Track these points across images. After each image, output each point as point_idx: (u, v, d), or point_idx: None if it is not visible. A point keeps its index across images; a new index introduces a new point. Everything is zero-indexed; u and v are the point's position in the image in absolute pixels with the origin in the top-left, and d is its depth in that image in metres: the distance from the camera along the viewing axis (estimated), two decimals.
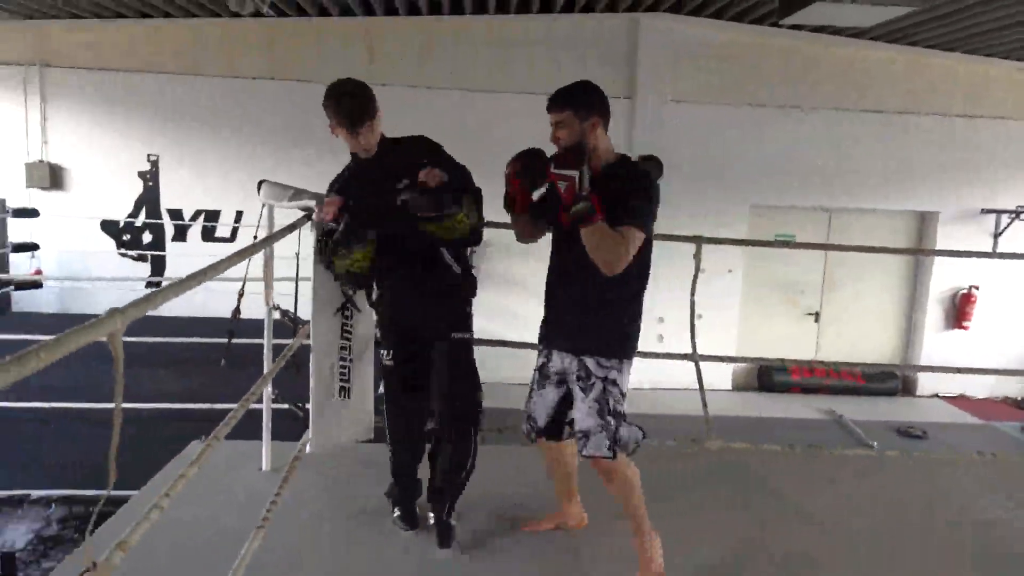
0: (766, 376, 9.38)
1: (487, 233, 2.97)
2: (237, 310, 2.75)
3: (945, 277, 9.46)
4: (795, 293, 9.67)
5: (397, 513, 2.91)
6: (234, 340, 4.11)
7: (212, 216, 8.75)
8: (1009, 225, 9.23)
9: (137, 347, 5.58)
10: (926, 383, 9.58)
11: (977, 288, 9.36)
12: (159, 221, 8.75)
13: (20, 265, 8.46)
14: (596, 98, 2.50)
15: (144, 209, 8.75)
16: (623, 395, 2.49)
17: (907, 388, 9.65)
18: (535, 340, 2.72)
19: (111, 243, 8.76)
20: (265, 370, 3.06)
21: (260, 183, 3.22)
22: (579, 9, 8.44)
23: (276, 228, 2.92)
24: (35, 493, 3.90)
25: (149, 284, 8.68)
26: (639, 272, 2.48)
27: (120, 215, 8.71)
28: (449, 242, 2.63)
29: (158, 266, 8.84)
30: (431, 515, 2.81)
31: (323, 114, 2.61)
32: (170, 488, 1.70)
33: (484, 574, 2.66)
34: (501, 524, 2.95)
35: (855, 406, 8.62)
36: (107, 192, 8.65)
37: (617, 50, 8.71)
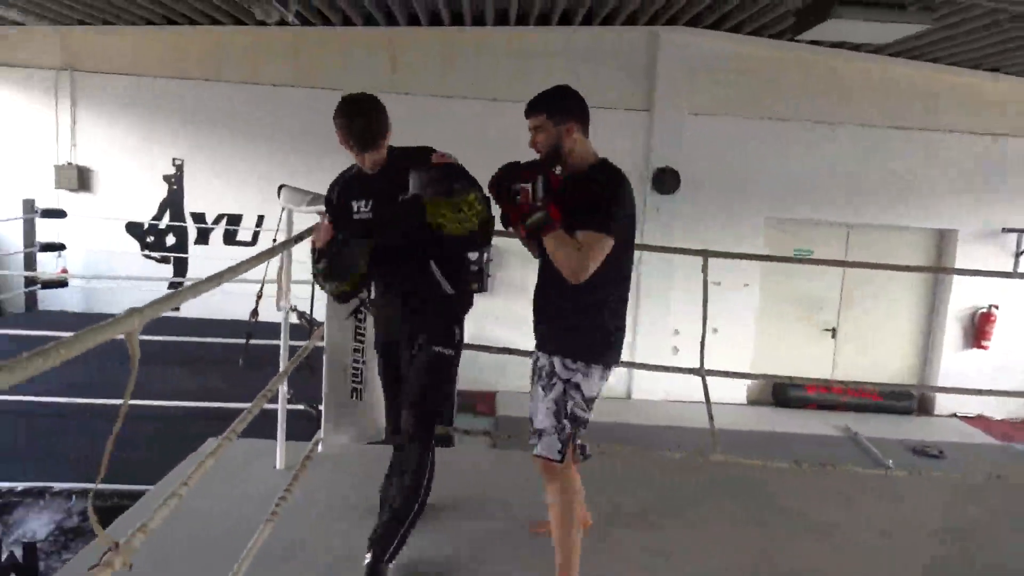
0: (781, 391, 9.35)
1: (506, 242, 3.02)
2: (255, 311, 2.81)
3: (964, 296, 9.38)
4: (812, 309, 9.64)
5: None
6: (252, 341, 4.20)
7: (234, 220, 8.90)
8: None
9: (159, 346, 5.70)
10: (944, 402, 9.49)
11: (997, 307, 9.28)
12: (182, 224, 8.91)
13: (47, 264, 8.64)
14: (572, 103, 2.46)
15: (168, 212, 8.91)
16: (586, 401, 2.44)
17: (924, 407, 9.57)
18: None
19: (135, 244, 8.92)
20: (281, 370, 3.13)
21: (280, 187, 3.31)
22: (599, 22, 8.52)
23: (295, 232, 3.00)
24: (57, 486, 3.98)
25: (171, 285, 8.84)
26: (612, 277, 2.42)
27: (145, 217, 8.87)
28: (458, 242, 2.51)
29: (180, 268, 8.99)
30: (367, 556, 2.56)
31: None
32: (188, 477, 1.76)
33: (491, 573, 2.70)
34: (510, 524, 2.99)
35: (871, 424, 8.57)
36: (133, 194, 8.82)
37: (636, 63, 8.78)
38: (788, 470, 3.83)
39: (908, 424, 8.91)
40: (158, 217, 8.91)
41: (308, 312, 3.57)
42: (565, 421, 2.41)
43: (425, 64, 8.66)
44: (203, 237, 8.96)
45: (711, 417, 3.38)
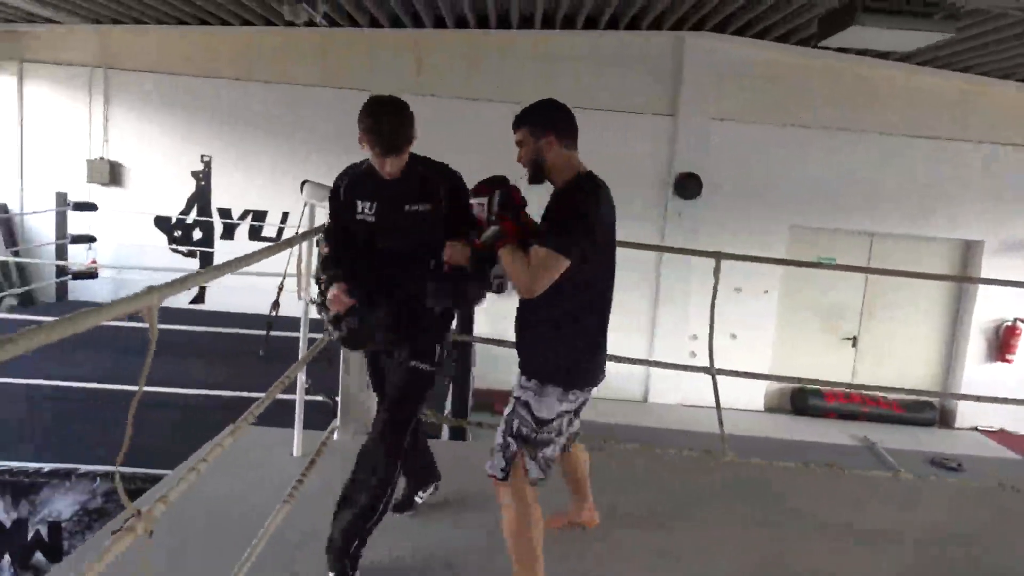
0: (800, 399, 9.30)
1: None
2: (276, 303, 2.89)
3: (989, 308, 9.27)
4: (834, 317, 9.58)
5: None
6: (273, 333, 4.29)
7: (259, 216, 9.04)
8: None
9: (184, 337, 5.83)
10: (965, 415, 9.38)
11: (1023, 321, 9.16)
12: (209, 219, 9.07)
13: (77, 256, 8.83)
14: (552, 116, 2.43)
15: (195, 207, 9.08)
16: (537, 422, 2.33)
17: (945, 420, 9.46)
18: None
19: (163, 238, 9.10)
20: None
21: (303, 183, 3.39)
22: (624, 26, 8.55)
23: (316, 226, 3.08)
24: (82, 468, 4.10)
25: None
26: (572, 294, 2.32)
27: (173, 212, 9.05)
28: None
29: (206, 262, 9.15)
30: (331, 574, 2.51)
31: None
32: (208, 453, 1.84)
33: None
34: None
35: (890, 435, 8.50)
36: (162, 189, 9.00)
37: (661, 67, 8.80)
38: (799, 474, 3.85)
39: (928, 436, 8.82)
40: (186, 212, 9.08)
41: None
42: (510, 439, 2.35)
43: (451, 66, 8.75)
44: (229, 232, 9.12)
45: (720, 416, 3.40)
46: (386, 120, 2.41)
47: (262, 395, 2.43)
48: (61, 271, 8.80)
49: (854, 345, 9.60)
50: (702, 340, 8.71)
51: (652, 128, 8.88)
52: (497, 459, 2.37)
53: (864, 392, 9.17)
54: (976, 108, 8.91)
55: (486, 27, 8.56)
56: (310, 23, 7.31)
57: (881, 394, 9.18)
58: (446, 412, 4.78)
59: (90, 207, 8.49)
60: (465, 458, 3.64)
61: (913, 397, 9.29)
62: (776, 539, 3.19)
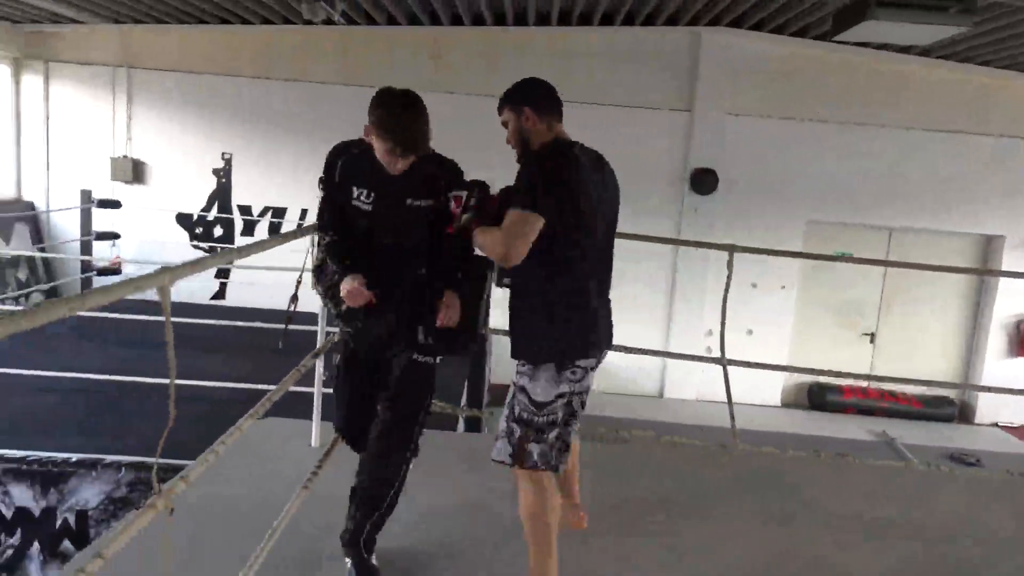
0: (817, 395, 9.28)
1: None
2: (295, 296, 2.96)
3: (1009, 303, 9.19)
4: (851, 313, 9.54)
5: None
6: (292, 327, 4.36)
7: (279, 213, 9.16)
8: None
9: (211, 332, 5.95)
10: (985, 411, 9.32)
11: None
12: (230, 216, 9.21)
13: (101, 252, 9.00)
14: (528, 91, 2.47)
15: (216, 204, 9.21)
16: (535, 405, 2.32)
17: (965, 415, 9.40)
18: None
19: (185, 235, 9.25)
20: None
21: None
22: (640, 22, 8.56)
23: None
24: (108, 458, 4.21)
25: (218, 274, 9.13)
26: (556, 270, 2.30)
27: (194, 209, 9.19)
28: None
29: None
30: (348, 561, 2.57)
31: None
32: (228, 437, 1.91)
33: (504, 555, 2.81)
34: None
35: (909, 430, 8.47)
36: (183, 187, 9.15)
37: (677, 63, 8.80)
38: (812, 465, 3.87)
39: (947, 431, 8.77)
40: (207, 209, 9.22)
41: None
42: (513, 424, 2.35)
43: (468, 63, 8.81)
44: (249, 229, 9.24)
45: (731, 406, 3.44)
46: (405, 117, 2.31)
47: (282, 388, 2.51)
48: (86, 267, 8.97)
49: (872, 341, 9.56)
50: (717, 336, 8.77)
51: (668, 124, 8.88)
52: (503, 445, 2.37)
53: (881, 387, 9.15)
54: (996, 102, 8.83)
55: (503, 24, 8.61)
56: (329, 21, 7.40)
57: (899, 389, 9.14)
58: (461, 405, 4.84)
59: (114, 204, 8.66)
60: (479, 451, 3.69)
61: (932, 393, 9.24)
62: (789, 531, 3.23)
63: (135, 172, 9.07)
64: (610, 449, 3.88)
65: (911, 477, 4.10)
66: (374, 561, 2.57)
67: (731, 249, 3.59)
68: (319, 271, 2.61)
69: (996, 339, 9.30)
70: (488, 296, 2.61)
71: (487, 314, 2.67)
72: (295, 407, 3.38)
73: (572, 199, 2.27)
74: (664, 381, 9.19)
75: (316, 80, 8.82)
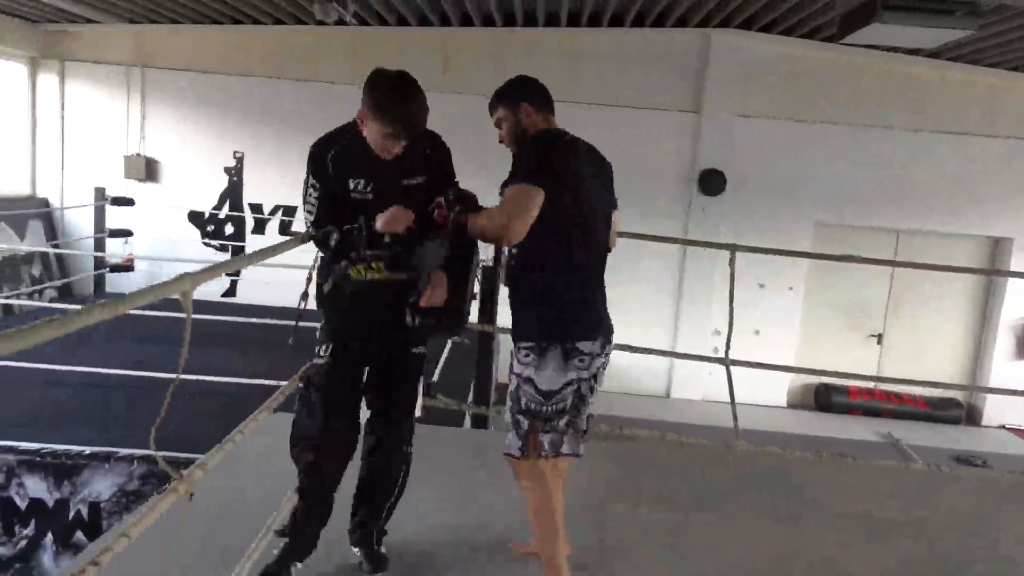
0: (823, 396, 9.29)
1: None
2: (305, 293, 3.01)
3: (1017, 305, 9.18)
4: (859, 314, 9.55)
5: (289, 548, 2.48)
6: (303, 324, 4.42)
7: (290, 211, 9.24)
8: None
9: (226, 328, 6.01)
10: (992, 413, 9.30)
11: None
12: (241, 214, 9.30)
13: (113, 249, 9.10)
14: (524, 88, 2.50)
15: (228, 202, 9.31)
16: (542, 394, 2.30)
17: (972, 417, 9.38)
18: None
19: (196, 233, 9.34)
20: None
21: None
22: (650, 24, 8.60)
23: None
24: (120, 451, 4.30)
25: (229, 272, 9.21)
26: (556, 255, 2.31)
27: (206, 207, 9.28)
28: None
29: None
30: (357, 550, 2.60)
31: None
32: (244, 426, 1.98)
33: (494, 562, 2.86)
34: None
35: (916, 432, 8.47)
36: (195, 185, 9.24)
37: (686, 65, 8.83)
38: (816, 465, 3.91)
39: (954, 433, 8.76)
40: (218, 207, 9.31)
41: None
42: (519, 416, 2.33)
43: (477, 64, 8.86)
44: (260, 227, 9.33)
45: (734, 405, 3.48)
46: (406, 99, 2.27)
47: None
48: (98, 264, 9.08)
49: (879, 342, 9.56)
50: (725, 337, 8.81)
51: (677, 125, 8.92)
52: (512, 438, 2.36)
53: (887, 388, 9.16)
54: (1005, 103, 8.82)
55: (512, 25, 8.66)
56: (340, 22, 7.46)
57: (906, 391, 9.15)
58: (468, 402, 4.90)
59: (128, 202, 8.76)
60: (486, 446, 3.76)
61: (939, 394, 9.24)
62: (793, 530, 3.27)
63: (148, 170, 9.16)
64: (615, 447, 3.93)
65: (914, 477, 4.13)
66: (383, 551, 2.62)
67: (733, 248, 3.64)
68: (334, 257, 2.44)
69: (1004, 341, 9.28)
70: (496, 293, 2.66)
71: (495, 306, 2.69)
72: None
73: (572, 179, 2.30)
74: (671, 381, 9.22)
75: (327, 80, 8.89)
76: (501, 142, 2.52)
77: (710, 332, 8.70)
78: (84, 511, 4.34)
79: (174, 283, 1.57)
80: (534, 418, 2.32)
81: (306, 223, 2.48)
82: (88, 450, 4.35)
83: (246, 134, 9.13)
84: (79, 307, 1.41)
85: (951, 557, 3.16)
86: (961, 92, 8.81)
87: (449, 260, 2.42)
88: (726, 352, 3.64)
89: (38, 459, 4.31)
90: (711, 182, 8.87)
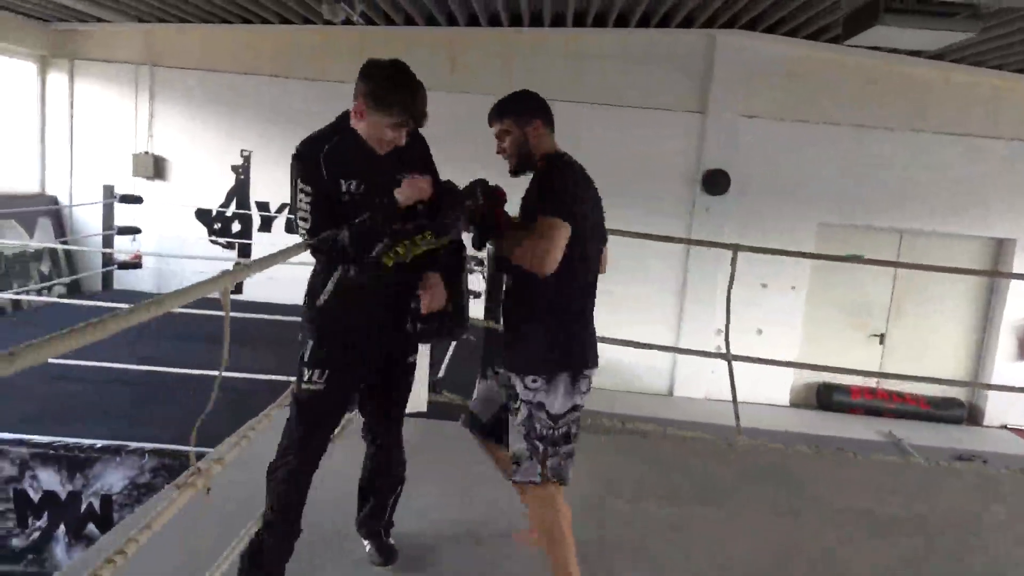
0: (825, 395, 9.34)
1: None
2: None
3: (1019, 306, 9.21)
4: (861, 314, 9.58)
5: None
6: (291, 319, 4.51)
7: None
8: None
9: (237, 325, 6.08)
10: (994, 413, 9.34)
11: None
12: (248, 212, 9.37)
13: (121, 247, 9.19)
14: (537, 103, 2.48)
15: (235, 200, 9.39)
16: (552, 418, 2.33)
17: (973, 417, 9.42)
18: None
19: (203, 230, 9.42)
20: None
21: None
22: (655, 24, 8.64)
23: None
24: (132, 445, 4.37)
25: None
26: (562, 280, 2.30)
27: (213, 205, 9.36)
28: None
29: (245, 253, 9.45)
30: (367, 543, 2.66)
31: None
32: (256, 422, 2.05)
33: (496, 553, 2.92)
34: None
35: (917, 431, 8.51)
36: (203, 183, 9.32)
37: (691, 65, 8.88)
38: (816, 462, 3.97)
39: (956, 433, 8.81)
40: (225, 205, 9.39)
41: None
42: (537, 442, 2.33)
43: (484, 64, 8.92)
44: (267, 225, 9.41)
45: (735, 401, 3.54)
46: (412, 88, 2.19)
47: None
48: (107, 261, 9.17)
49: (881, 342, 9.60)
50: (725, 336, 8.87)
51: (682, 125, 8.96)
52: (529, 466, 2.34)
53: (889, 387, 9.20)
54: (1008, 105, 8.85)
55: (519, 25, 8.71)
56: (348, 21, 7.54)
57: (908, 390, 9.19)
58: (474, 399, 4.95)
59: (136, 200, 8.85)
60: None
61: (941, 394, 9.29)
62: (795, 525, 3.33)
63: (156, 168, 9.25)
64: (617, 441, 3.99)
65: (914, 474, 4.18)
66: (392, 543, 2.68)
67: (735, 248, 3.70)
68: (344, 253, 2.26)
69: (1006, 342, 9.32)
70: (501, 289, 2.67)
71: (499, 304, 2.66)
72: None
73: (589, 212, 2.37)
74: (674, 379, 9.28)
75: (335, 79, 8.93)
76: (499, 153, 2.49)
77: (713, 331, 8.74)
78: (96, 503, 4.41)
79: (214, 281, 1.64)
80: (545, 443, 2.33)
81: (300, 232, 2.29)
82: (100, 443, 4.42)
83: (254, 133, 9.20)
84: (126, 306, 1.46)
85: (951, 554, 3.21)
86: (964, 94, 8.84)
87: (436, 260, 2.35)
88: (727, 348, 3.70)
89: (51, 452, 4.39)
90: (715, 182, 8.91)
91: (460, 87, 8.57)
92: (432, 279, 2.32)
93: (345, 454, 2.84)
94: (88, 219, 9.26)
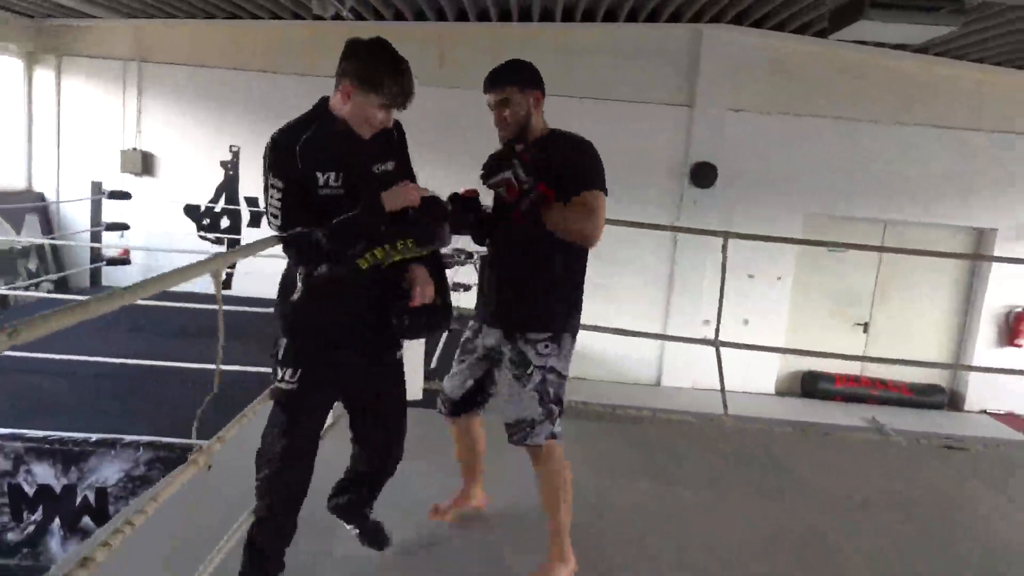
0: (810, 382, 9.48)
1: None
2: None
3: (1000, 294, 9.36)
4: (846, 303, 9.72)
5: None
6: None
7: None
8: None
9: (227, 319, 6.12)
10: (974, 399, 9.51)
11: None
12: (236, 207, 9.38)
13: (109, 242, 9.17)
14: (535, 73, 2.46)
15: (224, 196, 9.39)
16: (562, 379, 2.44)
17: (954, 403, 9.59)
18: None
19: (192, 226, 9.42)
20: None
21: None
22: (643, 18, 8.71)
23: None
24: (127, 437, 4.40)
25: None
26: (568, 245, 2.38)
27: (202, 200, 9.36)
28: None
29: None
30: (350, 527, 2.61)
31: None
32: (253, 406, 2.10)
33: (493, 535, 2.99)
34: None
35: (899, 417, 8.63)
36: (192, 179, 9.32)
37: (679, 60, 8.95)
38: (799, 443, 4.07)
39: (937, 418, 8.96)
40: (214, 201, 9.39)
41: None
42: (552, 406, 2.42)
43: (473, 59, 8.92)
44: (255, 220, 9.40)
45: (722, 383, 3.62)
46: (400, 67, 2.11)
47: None
48: (95, 257, 9.15)
49: (865, 331, 9.74)
50: (714, 326, 8.98)
51: (669, 119, 9.04)
52: (545, 427, 2.41)
53: (872, 375, 9.35)
54: (990, 98, 8.97)
55: (508, 20, 8.75)
56: (337, 17, 7.56)
57: (891, 378, 9.35)
58: None
59: (124, 196, 8.84)
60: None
61: (923, 381, 9.45)
62: (780, 506, 3.41)
63: (144, 164, 9.23)
64: (607, 428, 4.07)
65: (896, 455, 4.30)
66: (382, 524, 2.64)
67: (726, 235, 3.77)
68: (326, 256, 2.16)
69: (987, 329, 9.48)
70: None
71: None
72: None
73: None
74: (661, 369, 9.38)
75: (324, 74, 8.86)
76: (497, 124, 2.44)
77: (700, 322, 8.83)
78: (91, 497, 4.44)
79: (206, 263, 1.69)
80: (559, 404, 2.45)
81: (272, 227, 2.20)
82: (95, 437, 4.45)
83: (243, 128, 9.20)
84: (119, 287, 1.51)
85: (936, 533, 3.30)
86: (947, 87, 8.96)
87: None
88: (716, 334, 3.78)
89: (46, 446, 4.41)
90: (703, 175, 9.00)
91: (449, 82, 8.59)
92: (419, 272, 2.25)
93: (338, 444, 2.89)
94: (76, 216, 9.24)
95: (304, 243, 2.09)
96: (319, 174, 2.08)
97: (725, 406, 3.79)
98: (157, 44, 9.05)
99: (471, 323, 2.64)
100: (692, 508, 3.31)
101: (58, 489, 4.48)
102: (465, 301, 3.19)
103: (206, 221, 9.45)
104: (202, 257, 9.23)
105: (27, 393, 4.98)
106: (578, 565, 2.56)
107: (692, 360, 8.83)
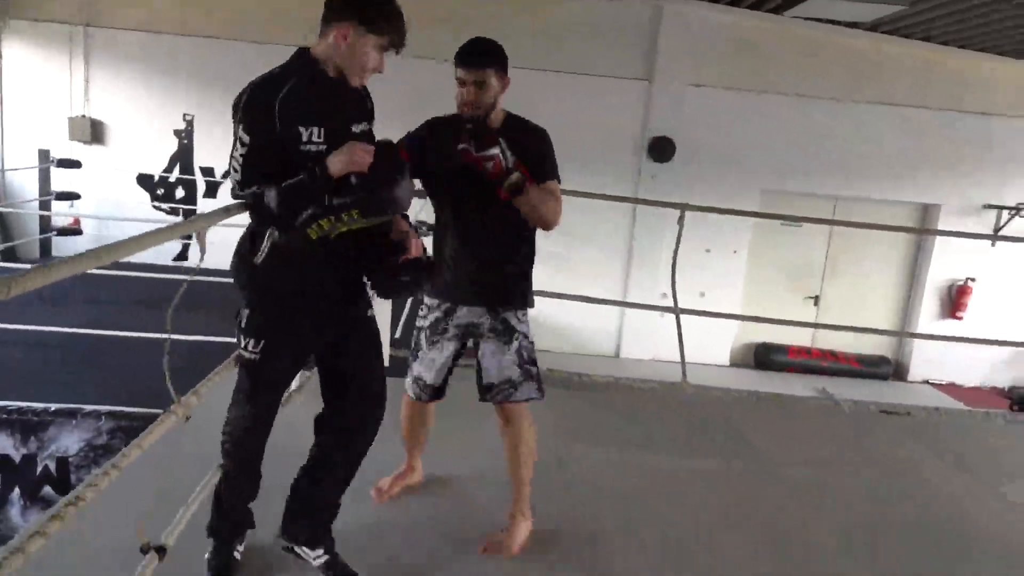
0: (763, 354, 9.77)
1: None
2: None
3: (943, 268, 9.77)
4: (799, 276, 10.02)
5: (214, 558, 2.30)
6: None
7: None
8: (1009, 221, 9.51)
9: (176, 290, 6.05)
10: (917, 370, 9.94)
11: (973, 280, 9.69)
12: (191, 177, 9.20)
13: (59, 211, 8.93)
14: (505, 56, 2.45)
15: (178, 165, 9.20)
16: (532, 342, 2.63)
17: (899, 374, 10.02)
18: None
19: (146, 196, 9.22)
20: None
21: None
22: None
23: None
24: (87, 407, 4.37)
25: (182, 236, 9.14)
26: (529, 227, 2.55)
27: (155, 170, 9.16)
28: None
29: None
30: (313, 553, 2.31)
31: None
32: (226, 365, 2.13)
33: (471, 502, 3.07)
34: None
35: (847, 388, 8.94)
36: (144, 148, 9.09)
37: (638, 34, 9.01)
38: (754, 411, 4.24)
39: (882, 388, 9.34)
40: (168, 170, 9.20)
41: None
42: (529, 367, 2.59)
43: (436, 31, 8.86)
44: (212, 191, 9.25)
45: (681, 348, 3.74)
46: (398, 9, 2.04)
47: None
48: (44, 227, 8.90)
49: (816, 304, 10.06)
50: (670, 299, 9.16)
51: (629, 93, 9.12)
52: (528, 385, 2.57)
53: (823, 347, 9.68)
54: (935, 76, 9.26)
55: None
56: None
57: (840, 350, 9.70)
58: None
59: (75, 164, 8.59)
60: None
61: (870, 353, 9.82)
62: (740, 469, 3.55)
63: (94, 132, 8.98)
64: (571, 394, 4.18)
65: (844, 420, 4.51)
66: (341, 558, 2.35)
67: (683, 208, 3.88)
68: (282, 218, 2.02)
69: (930, 302, 9.90)
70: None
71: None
72: None
73: None
74: (620, 341, 9.57)
75: (280, 42, 8.72)
76: (465, 102, 2.40)
77: (658, 295, 9.01)
78: (52, 466, 4.41)
79: (189, 223, 1.71)
80: (535, 365, 2.62)
81: (232, 181, 2.08)
82: (54, 407, 4.40)
83: (196, 96, 8.99)
84: (91, 249, 1.50)
85: (882, 493, 3.48)
86: (895, 65, 9.21)
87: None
88: (674, 302, 3.90)
89: (4, 416, 4.35)
90: (661, 149, 9.12)
91: (414, 52, 8.50)
92: (403, 224, 2.18)
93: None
94: (23, 183, 8.95)
95: (258, 204, 2.00)
96: (302, 129, 1.97)
97: (684, 373, 3.92)
98: (105, 8, 8.76)
99: (432, 302, 2.63)
100: (659, 471, 3.42)
101: (17, 459, 4.43)
102: None
103: (160, 191, 9.26)
104: (156, 227, 9.04)
105: None
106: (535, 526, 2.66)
107: (650, 331, 9.02)
